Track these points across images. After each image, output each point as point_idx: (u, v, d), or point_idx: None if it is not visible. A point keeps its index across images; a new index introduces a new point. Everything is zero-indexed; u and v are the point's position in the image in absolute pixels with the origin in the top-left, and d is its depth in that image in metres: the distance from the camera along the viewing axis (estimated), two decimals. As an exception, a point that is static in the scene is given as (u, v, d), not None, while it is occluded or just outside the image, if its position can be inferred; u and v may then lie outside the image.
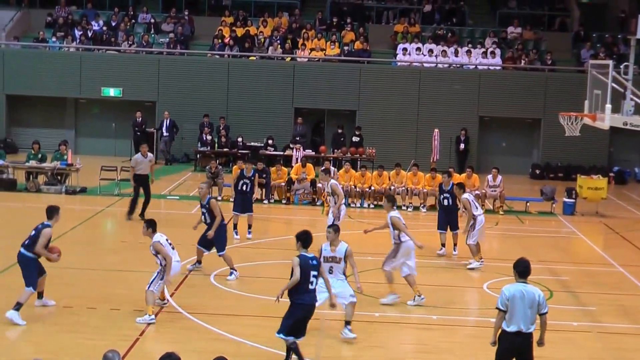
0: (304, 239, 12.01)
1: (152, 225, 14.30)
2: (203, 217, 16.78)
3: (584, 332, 14.58)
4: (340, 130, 32.88)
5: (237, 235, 20.50)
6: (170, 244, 14.28)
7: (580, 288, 17.12)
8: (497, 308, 10.50)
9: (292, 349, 11.89)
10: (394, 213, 15.46)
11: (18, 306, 13.52)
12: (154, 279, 14.08)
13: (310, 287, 11.82)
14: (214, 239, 16.54)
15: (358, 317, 14.46)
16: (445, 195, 19.86)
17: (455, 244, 19.70)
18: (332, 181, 19.01)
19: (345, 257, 13.29)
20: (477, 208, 18.72)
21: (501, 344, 10.49)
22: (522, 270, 10.53)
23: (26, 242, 13.90)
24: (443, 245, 19.68)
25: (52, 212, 14.10)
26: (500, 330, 10.48)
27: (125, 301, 14.81)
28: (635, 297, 16.78)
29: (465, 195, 18.84)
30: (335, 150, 32.02)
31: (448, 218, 19.74)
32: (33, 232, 13.92)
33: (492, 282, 17.24)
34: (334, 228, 13.48)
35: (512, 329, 10.34)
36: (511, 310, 10.33)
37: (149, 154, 22.71)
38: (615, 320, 15.27)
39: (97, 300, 14.82)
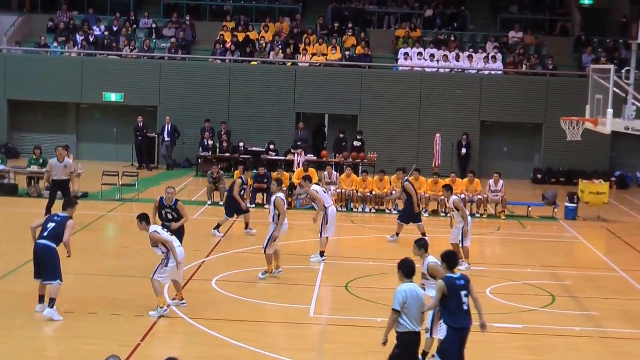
0: (449, 259, 11.29)
1: (145, 218, 14.47)
2: (167, 217, 16.99)
3: (587, 337, 14.48)
4: (341, 135, 32.88)
5: (220, 233, 21.26)
6: (167, 232, 14.58)
7: (582, 293, 17.06)
8: (393, 309, 10.54)
9: None
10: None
11: (52, 302, 13.72)
12: (157, 268, 14.24)
13: (465, 307, 11.05)
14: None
15: (359, 323, 14.49)
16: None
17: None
18: (313, 187, 18.74)
19: (429, 274, 12.45)
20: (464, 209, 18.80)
21: (408, 343, 10.58)
22: (407, 270, 10.70)
23: (45, 234, 13.96)
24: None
25: (68, 204, 14.85)
26: (394, 331, 10.59)
27: (126, 306, 14.77)
28: (637, 302, 16.71)
29: (455, 197, 18.76)
30: (337, 155, 32.02)
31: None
32: (51, 224, 14.06)
33: (495, 287, 17.18)
34: (419, 243, 12.65)
35: (416, 328, 10.58)
36: (409, 310, 10.49)
37: (66, 159, 22.37)
38: (617, 325, 15.19)
39: (98, 306, 14.77)
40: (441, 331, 11.91)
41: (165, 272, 14.22)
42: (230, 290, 16.08)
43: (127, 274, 17.20)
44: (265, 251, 16.79)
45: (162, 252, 14.27)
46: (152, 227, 14.41)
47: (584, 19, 38.69)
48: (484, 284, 17.35)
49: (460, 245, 18.24)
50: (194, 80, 34.41)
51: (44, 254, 13.90)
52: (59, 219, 14.18)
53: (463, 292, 11.05)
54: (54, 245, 13.91)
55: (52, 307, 13.71)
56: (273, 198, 16.99)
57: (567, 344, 14.03)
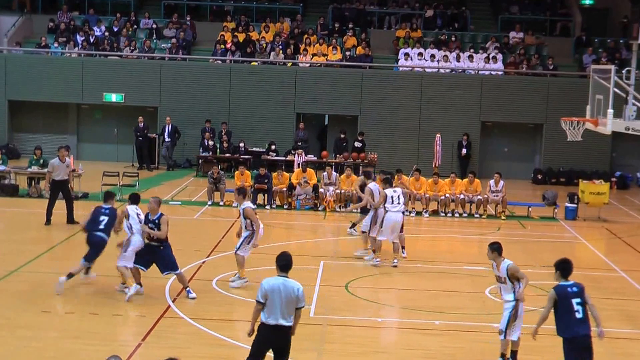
0: (563, 268, 11.15)
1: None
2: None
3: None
4: (342, 136, 32.89)
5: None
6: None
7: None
8: (256, 300, 10.56)
9: None
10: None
11: (70, 276, 15.28)
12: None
13: (577, 315, 10.82)
14: (164, 260, 15.34)
15: (359, 323, 14.52)
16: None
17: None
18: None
19: (509, 277, 12.23)
20: (392, 203, 18.44)
21: (259, 335, 10.57)
22: (283, 264, 10.73)
23: (101, 227, 15.67)
24: None
25: (109, 196, 16.28)
26: (259, 322, 10.57)
27: (127, 306, 14.79)
28: (638, 303, 16.71)
29: (371, 185, 18.92)
30: (338, 156, 32.03)
31: None
32: (104, 218, 15.69)
33: (495, 286, 17.14)
34: (493, 247, 12.44)
35: (270, 321, 10.46)
36: (271, 303, 10.45)
37: (67, 159, 22.48)
38: (618, 326, 15.15)
39: (99, 306, 14.78)
40: (515, 333, 12.24)
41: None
42: (231, 291, 16.08)
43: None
44: (237, 252, 16.25)
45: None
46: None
47: (585, 20, 38.70)
48: (483, 284, 17.36)
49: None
50: (195, 80, 34.42)
51: (96, 245, 15.69)
52: (105, 211, 15.82)
53: (575, 300, 10.85)
54: (106, 237, 15.65)
55: (68, 277, 15.27)
56: (241, 209, 16.09)
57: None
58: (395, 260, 18.49)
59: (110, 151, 34.65)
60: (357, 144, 32.38)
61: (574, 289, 10.94)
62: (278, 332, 10.49)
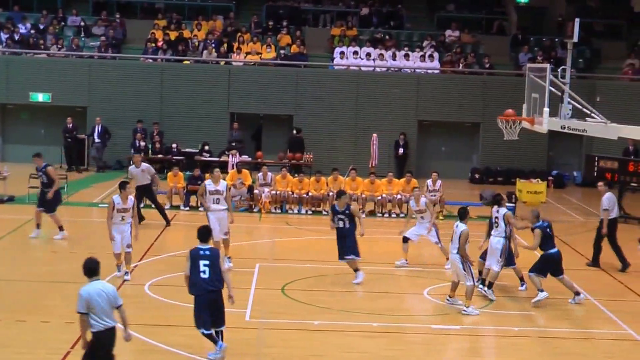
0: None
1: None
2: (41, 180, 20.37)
3: (526, 337, 14.44)
4: (297, 134, 32.48)
5: None
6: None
7: (520, 293, 17.04)
8: (78, 312, 10.35)
9: None
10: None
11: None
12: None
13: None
14: (52, 200, 20.28)
15: (298, 326, 14.26)
16: (339, 217, 17.42)
17: None
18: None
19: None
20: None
21: (101, 341, 10.38)
22: (88, 270, 10.52)
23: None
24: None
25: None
26: (89, 332, 10.40)
27: (55, 313, 14.35)
28: (576, 301, 16.70)
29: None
30: (287, 155, 31.62)
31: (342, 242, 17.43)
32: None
33: (433, 287, 17.05)
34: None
35: (105, 325, 10.33)
36: (97, 309, 10.29)
37: (143, 164, 22.98)
38: (556, 325, 15.21)
39: (27, 313, 14.36)
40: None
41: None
42: (164, 295, 15.70)
43: (55, 279, 16.75)
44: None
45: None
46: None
47: (521, 18, 38.91)
48: (421, 285, 17.27)
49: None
50: (125, 80, 33.70)
51: None
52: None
53: None
54: None
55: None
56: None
57: (506, 344, 14.00)
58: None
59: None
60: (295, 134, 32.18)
61: None
62: (109, 335, 10.38)
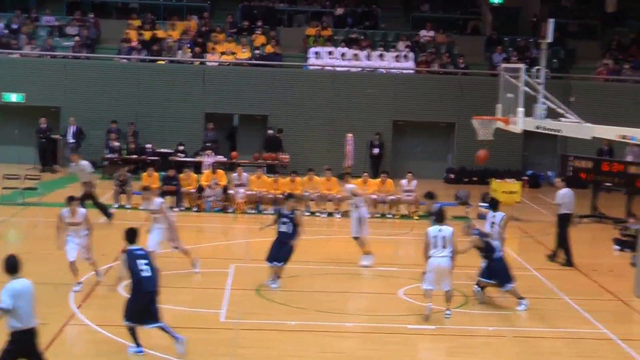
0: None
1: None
2: None
3: (501, 336, 14.41)
4: (277, 134, 32.38)
5: None
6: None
7: (495, 292, 16.96)
8: (1, 309, 9.99)
9: None
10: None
11: None
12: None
13: None
14: None
15: (273, 326, 14.21)
16: (284, 219, 16.87)
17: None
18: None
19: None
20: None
21: (14, 344, 10.12)
22: (9, 266, 10.32)
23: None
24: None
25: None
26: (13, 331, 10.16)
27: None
28: (550, 301, 16.72)
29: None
30: (263, 155, 31.55)
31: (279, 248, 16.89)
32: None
33: (408, 288, 16.99)
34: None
35: (26, 325, 10.13)
36: (21, 308, 10.06)
37: (81, 162, 23.05)
38: (531, 324, 15.23)
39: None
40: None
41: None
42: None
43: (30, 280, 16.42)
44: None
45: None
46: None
47: (496, 19, 39.00)
48: (396, 285, 17.23)
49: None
50: (100, 80, 33.46)
51: None
52: None
53: None
54: None
55: None
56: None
57: (481, 344, 13.98)
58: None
59: (10, 153, 33.31)
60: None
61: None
62: (29, 336, 10.17)
